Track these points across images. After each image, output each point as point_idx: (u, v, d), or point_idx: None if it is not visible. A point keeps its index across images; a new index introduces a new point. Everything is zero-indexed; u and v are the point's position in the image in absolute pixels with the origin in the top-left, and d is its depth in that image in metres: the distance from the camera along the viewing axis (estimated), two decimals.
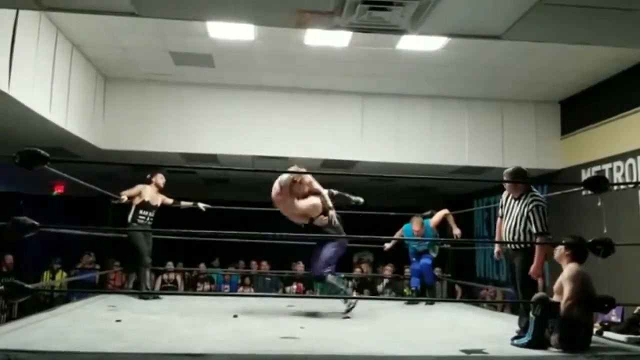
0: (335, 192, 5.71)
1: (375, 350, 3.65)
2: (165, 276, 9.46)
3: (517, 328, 4.24)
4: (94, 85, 7.77)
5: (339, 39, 6.49)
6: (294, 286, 9.75)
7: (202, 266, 10.04)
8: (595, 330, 4.69)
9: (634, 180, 6.85)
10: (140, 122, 8.07)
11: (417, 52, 6.82)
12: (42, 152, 3.16)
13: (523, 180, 4.42)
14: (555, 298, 3.84)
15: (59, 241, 8.59)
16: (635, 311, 5.74)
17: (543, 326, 3.72)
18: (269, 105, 8.34)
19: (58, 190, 11.50)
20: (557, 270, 4.05)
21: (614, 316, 6.05)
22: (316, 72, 7.72)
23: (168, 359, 3.24)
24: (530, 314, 3.78)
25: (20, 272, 9.11)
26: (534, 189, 4.36)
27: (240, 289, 9.83)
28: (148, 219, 6.50)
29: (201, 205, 6.93)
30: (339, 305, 5.39)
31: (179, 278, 9.61)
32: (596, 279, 3.96)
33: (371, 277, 10.10)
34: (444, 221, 7.22)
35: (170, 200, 6.78)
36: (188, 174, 10.39)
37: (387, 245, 7.41)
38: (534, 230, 4.16)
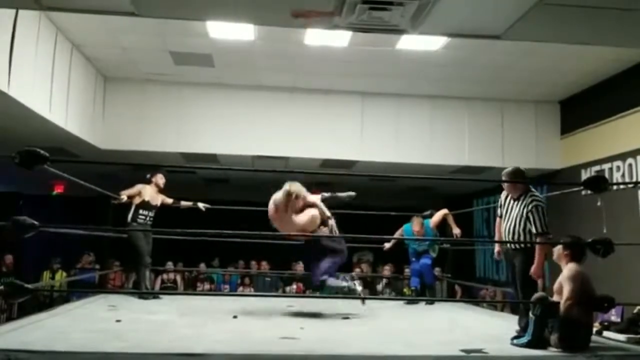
0: (326, 194, 5.68)
1: (375, 350, 3.65)
2: (165, 276, 9.46)
3: (517, 328, 4.24)
4: (94, 85, 7.77)
5: (339, 38, 6.49)
6: (294, 286, 9.75)
7: (202, 266, 10.05)
8: (595, 330, 4.69)
9: (634, 180, 6.86)
10: (140, 122, 8.07)
11: (417, 52, 6.82)
12: (42, 152, 3.16)
13: (522, 180, 4.42)
14: (555, 298, 3.84)
15: (58, 241, 8.61)
16: (635, 311, 5.75)
17: (543, 326, 3.72)
18: (269, 105, 8.34)
19: (58, 190, 11.50)
20: (557, 270, 4.05)
21: (613, 316, 6.06)
22: (316, 72, 7.72)
23: (168, 359, 3.24)
24: (530, 314, 3.78)
25: (20, 272, 9.12)
26: (533, 189, 4.36)
27: (240, 289, 9.83)
28: (148, 218, 6.49)
29: (201, 205, 6.93)
30: (339, 305, 5.39)
31: (178, 278, 9.62)
32: (596, 278, 3.96)
33: (371, 277, 10.10)
34: (443, 221, 7.22)
35: (170, 200, 6.78)
36: (188, 174, 10.39)
37: (387, 245, 7.42)
38: (534, 230, 4.16)
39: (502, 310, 7.64)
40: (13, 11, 5.19)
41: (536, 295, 3.84)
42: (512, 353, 3.67)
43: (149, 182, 6.64)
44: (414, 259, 7.19)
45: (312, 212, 5.28)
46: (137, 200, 6.45)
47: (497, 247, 4.69)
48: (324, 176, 10.38)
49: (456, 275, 9.51)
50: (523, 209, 4.22)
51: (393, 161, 8.43)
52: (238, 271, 10.35)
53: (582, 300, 3.72)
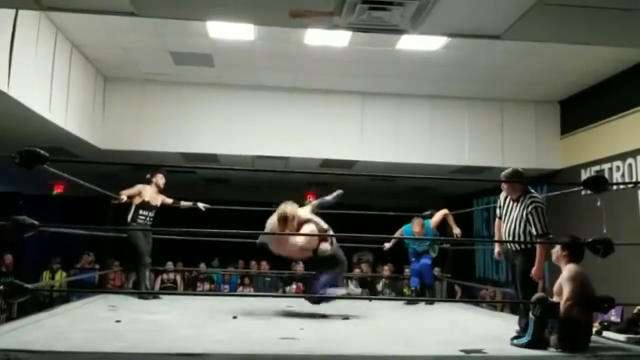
0: (315, 202, 5.67)
1: (375, 350, 3.65)
2: (165, 276, 9.46)
3: (517, 328, 4.24)
4: (94, 85, 7.77)
5: (339, 38, 6.49)
6: (294, 286, 9.75)
7: (202, 266, 10.05)
8: (594, 330, 4.69)
9: (634, 180, 6.86)
10: (140, 122, 8.07)
11: (417, 52, 6.82)
12: (42, 152, 3.16)
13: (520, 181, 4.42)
14: (555, 299, 3.84)
15: (58, 241, 8.61)
16: (635, 311, 5.75)
17: (543, 326, 3.72)
18: (269, 105, 8.34)
19: (58, 190, 11.48)
20: (556, 271, 4.05)
21: (613, 316, 6.06)
22: (316, 72, 7.72)
23: (168, 359, 3.23)
24: (530, 314, 3.78)
25: (19, 272, 9.12)
26: (532, 190, 4.35)
27: (240, 288, 9.83)
28: (148, 218, 6.49)
29: (201, 205, 6.93)
30: (339, 305, 5.38)
31: (178, 278, 9.62)
32: (596, 279, 3.96)
33: (371, 277, 10.10)
34: (443, 221, 7.22)
35: (170, 200, 6.77)
36: (188, 174, 10.39)
37: (387, 245, 7.41)
38: (534, 231, 4.15)
39: (501, 310, 7.64)
40: (13, 11, 5.19)
41: (536, 295, 3.83)
42: (512, 353, 3.67)
43: (149, 182, 6.63)
44: (413, 259, 7.18)
45: (309, 228, 5.21)
46: (137, 201, 6.45)
47: (497, 248, 4.69)
48: (323, 176, 10.38)
49: (456, 275, 9.51)
50: (523, 210, 4.21)
51: (393, 161, 8.43)
52: (238, 271, 10.35)
53: (582, 300, 3.72)
